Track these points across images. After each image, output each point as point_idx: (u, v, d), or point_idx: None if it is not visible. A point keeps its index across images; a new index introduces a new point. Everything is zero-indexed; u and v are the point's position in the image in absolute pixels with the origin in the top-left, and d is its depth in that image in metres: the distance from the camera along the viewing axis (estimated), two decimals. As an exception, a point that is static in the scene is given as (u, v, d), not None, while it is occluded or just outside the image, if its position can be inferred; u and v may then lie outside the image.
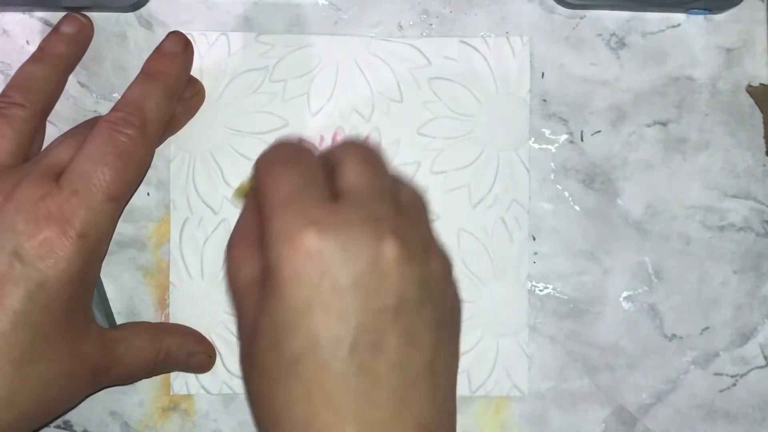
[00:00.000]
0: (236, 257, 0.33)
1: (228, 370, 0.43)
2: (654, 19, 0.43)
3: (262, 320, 0.31)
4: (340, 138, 0.43)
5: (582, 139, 0.43)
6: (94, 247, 0.36)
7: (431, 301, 0.31)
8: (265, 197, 0.32)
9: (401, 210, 0.32)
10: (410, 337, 0.30)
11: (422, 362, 0.30)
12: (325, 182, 0.32)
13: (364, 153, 0.33)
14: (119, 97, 0.38)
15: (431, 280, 0.31)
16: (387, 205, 0.31)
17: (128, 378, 0.40)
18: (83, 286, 0.36)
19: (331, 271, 0.30)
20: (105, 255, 0.39)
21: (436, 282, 0.31)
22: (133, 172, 0.37)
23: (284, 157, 0.33)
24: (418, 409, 0.30)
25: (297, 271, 0.30)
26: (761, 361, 0.43)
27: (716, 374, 0.43)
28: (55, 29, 0.41)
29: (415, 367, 0.30)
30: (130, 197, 0.41)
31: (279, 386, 0.30)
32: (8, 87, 0.39)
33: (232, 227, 0.42)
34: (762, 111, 0.43)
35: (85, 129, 0.38)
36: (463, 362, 0.42)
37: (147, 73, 0.39)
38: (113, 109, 0.37)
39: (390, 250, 0.30)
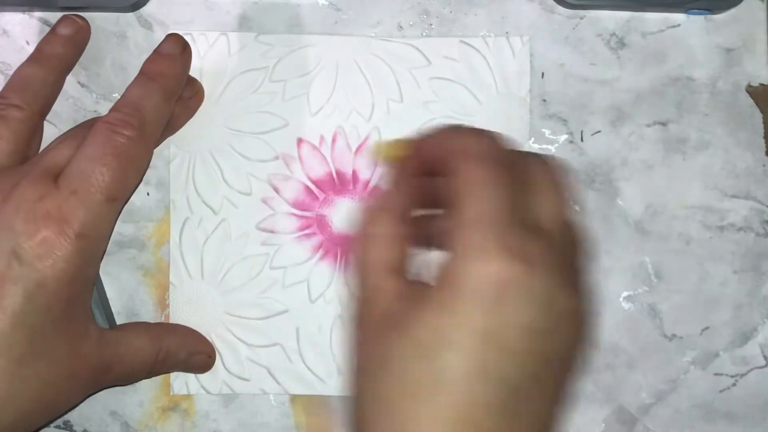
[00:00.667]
0: (380, 234, 0.31)
1: (228, 370, 0.43)
2: (654, 19, 0.43)
3: (415, 319, 0.29)
4: (341, 138, 0.43)
5: (582, 139, 0.43)
6: (93, 247, 0.36)
7: (582, 355, 0.31)
8: (469, 197, 0.29)
9: (581, 256, 0.31)
10: (556, 395, 0.30)
11: (555, 415, 0.30)
12: (521, 203, 0.29)
13: (564, 185, 0.31)
14: (119, 98, 0.38)
15: (588, 334, 0.31)
16: (578, 253, 0.31)
17: (128, 378, 0.40)
18: (82, 286, 0.36)
19: (515, 305, 0.28)
20: (103, 255, 0.39)
21: (589, 335, 0.31)
22: (132, 172, 0.37)
23: (496, 155, 0.30)
24: None
25: (480, 292, 0.28)
26: (761, 361, 0.43)
27: (716, 374, 0.43)
28: (52, 31, 0.41)
29: (549, 420, 0.30)
30: (129, 197, 0.41)
31: (412, 397, 0.28)
32: (5, 88, 0.39)
33: (232, 227, 0.42)
34: (762, 111, 0.43)
35: (84, 130, 0.38)
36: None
37: (145, 74, 0.39)
38: (112, 110, 0.38)
39: (576, 305, 0.29)
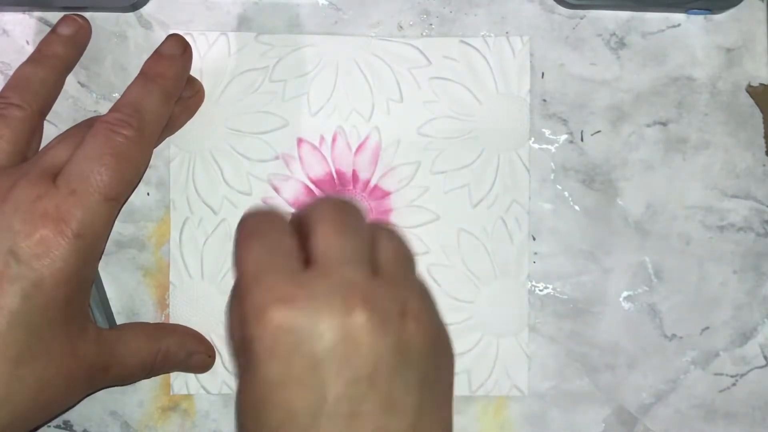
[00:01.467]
0: (230, 317, 0.33)
1: (228, 370, 0.43)
2: (654, 19, 0.43)
3: (242, 393, 0.31)
4: (341, 138, 0.43)
5: (582, 139, 0.43)
6: (91, 247, 0.36)
7: (410, 364, 0.30)
8: (238, 273, 0.31)
9: (377, 271, 0.31)
10: (389, 404, 0.30)
11: (404, 426, 0.30)
12: (296, 251, 0.31)
13: (337, 213, 0.32)
14: (119, 98, 0.38)
15: (409, 343, 0.30)
16: (359, 270, 0.31)
17: (127, 378, 0.40)
18: (80, 286, 0.36)
19: (302, 345, 0.29)
20: (102, 255, 0.39)
21: (416, 344, 0.31)
22: (130, 172, 0.37)
23: (252, 229, 0.32)
24: None
25: (269, 347, 0.29)
26: (761, 361, 0.43)
27: (716, 374, 0.43)
28: (53, 31, 0.41)
29: (397, 431, 0.30)
30: (128, 197, 0.41)
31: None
32: (5, 88, 0.39)
33: (232, 227, 0.42)
34: (762, 111, 0.43)
35: (83, 129, 0.38)
36: (463, 362, 0.42)
37: (145, 74, 0.39)
38: (111, 110, 0.38)
39: (360, 319, 0.29)
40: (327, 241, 0.31)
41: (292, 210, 0.33)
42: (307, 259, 0.31)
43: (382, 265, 0.32)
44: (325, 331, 0.29)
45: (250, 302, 0.30)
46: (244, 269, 0.31)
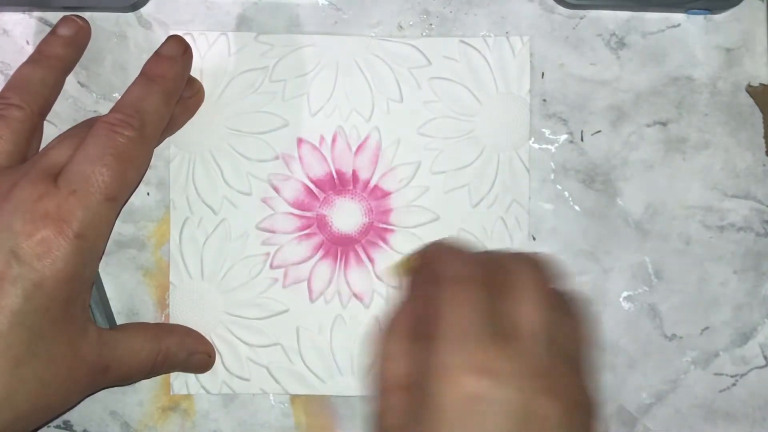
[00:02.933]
0: (388, 351, 0.33)
1: (228, 370, 0.43)
2: (654, 19, 0.43)
3: None
4: (341, 138, 0.43)
5: (582, 139, 0.43)
6: (92, 247, 0.36)
7: None
8: (436, 321, 0.31)
9: (561, 357, 0.31)
10: None
11: None
12: (496, 312, 0.31)
13: (539, 280, 0.32)
14: (119, 97, 0.38)
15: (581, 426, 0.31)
16: (553, 353, 0.31)
17: (127, 378, 0.40)
18: (81, 286, 0.36)
19: (486, 419, 0.29)
20: (102, 255, 0.39)
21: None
22: (131, 173, 0.37)
23: (460, 278, 0.32)
24: None
25: (456, 411, 0.29)
26: (761, 361, 0.43)
27: (716, 374, 0.43)
28: (53, 31, 0.41)
29: None
30: (129, 198, 0.41)
31: None
32: (5, 88, 0.39)
33: (232, 227, 0.42)
34: (762, 111, 0.43)
35: (83, 130, 0.38)
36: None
37: (146, 75, 0.39)
38: (112, 111, 0.38)
39: (545, 409, 0.30)
40: (530, 314, 0.31)
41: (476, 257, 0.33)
42: (498, 326, 0.31)
43: (562, 348, 0.32)
44: (513, 412, 0.29)
45: (449, 360, 0.30)
46: (451, 319, 0.31)
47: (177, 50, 0.40)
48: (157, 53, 0.40)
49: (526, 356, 0.30)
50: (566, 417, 0.30)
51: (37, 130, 0.40)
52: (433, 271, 0.33)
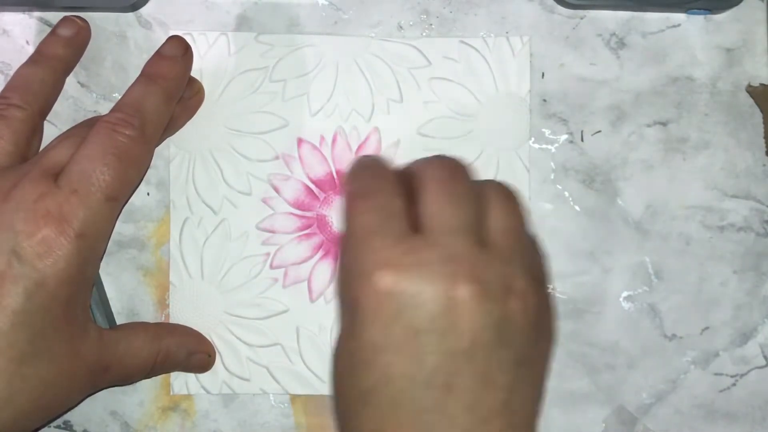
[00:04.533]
0: (338, 274, 0.33)
1: (228, 370, 0.43)
2: (654, 19, 0.43)
3: (340, 351, 0.32)
4: (341, 138, 0.43)
5: (582, 139, 0.43)
6: (93, 247, 0.36)
7: (509, 341, 0.30)
8: (345, 230, 0.32)
9: (486, 242, 0.31)
10: (484, 379, 0.30)
11: (497, 402, 0.30)
12: (403, 212, 0.31)
13: (448, 176, 0.32)
14: (119, 97, 0.38)
15: (510, 320, 0.30)
16: (467, 241, 0.31)
17: (128, 378, 0.40)
18: (82, 286, 0.36)
19: (405, 312, 0.30)
20: (103, 254, 0.39)
21: (517, 321, 0.31)
22: (132, 172, 0.37)
23: (362, 186, 0.32)
24: None
25: (372, 310, 0.30)
26: (761, 361, 0.43)
27: (716, 374, 0.43)
28: (53, 32, 0.41)
29: (489, 407, 0.30)
30: (129, 197, 0.42)
31: (353, 414, 0.31)
32: (6, 88, 0.39)
33: (232, 227, 0.42)
34: (762, 111, 0.43)
35: (83, 129, 0.38)
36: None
37: (147, 75, 0.39)
38: (113, 110, 0.38)
39: (464, 293, 0.30)
40: (437, 207, 0.31)
41: (388, 169, 0.33)
42: (414, 221, 0.31)
43: (491, 234, 0.32)
44: (428, 301, 0.30)
45: (358, 263, 0.31)
46: (353, 229, 0.31)
47: (178, 50, 0.40)
48: (158, 53, 0.40)
49: (435, 246, 0.30)
50: (490, 301, 0.30)
51: (37, 131, 0.40)
52: (348, 188, 0.33)
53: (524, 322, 0.31)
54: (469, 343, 0.30)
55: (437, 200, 0.31)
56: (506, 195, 0.33)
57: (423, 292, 0.30)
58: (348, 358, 0.31)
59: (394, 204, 0.32)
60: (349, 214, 0.32)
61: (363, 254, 0.31)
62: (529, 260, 0.32)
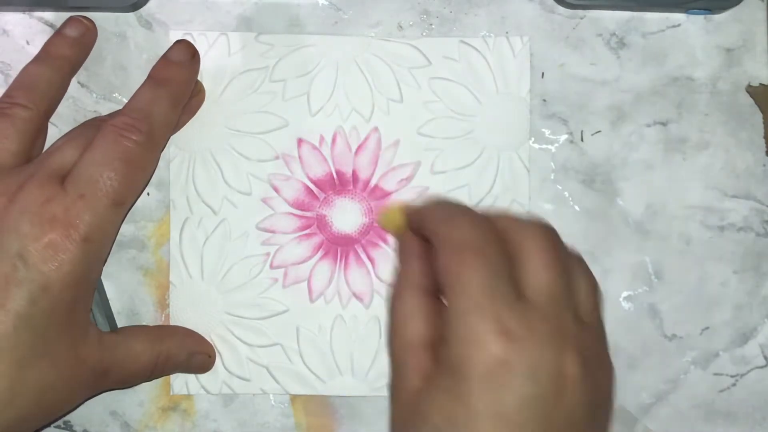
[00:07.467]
0: (403, 311, 0.33)
1: (228, 370, 0.43)
2: (654, 19, 0.43)
3: (432, 404, 0.31)
4: (341, 138, 0.43)
5: (582, 139, 0.43)
6: (98, 251, 0.36)
7: (596, 412, 0.31)
8: (455, 288, 0.31)
9: (582, 318, 0.32)
10: None
11: None
12: (511, 274, 0.31)
13: (554, 248, 0.32)
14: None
15: (600, 392, 0.31)
16: (571, 315, 0.31)
17: (128, 381, 0.40)
18: (85, 290, 0.36)
19: (514, 382, 0.29)
20: (107, 258, 0.39)
21: (603, 392, 0.32)
22: (139, 177, 0.37)
23: (472, 239, 0.31)
24: None
25: (484, 376, 0.29)
26: (761, 361, 0.43)
27: (716, 374, 0.43)
28: (59, 32, 0.41)
29: None
30: (135, 202, 0.41)
31: None
32: (12, 87, 0.39)
33: (232, 227, 0.42)
34: (762, 111, 0.43)
35: (88, 130, 0.38)
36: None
37: (154, 79, 0.39)
38: (120, 114, 0.37)
39: (571, 368, 0.30)
40: (545, 279, 0.31)
41: (485, 219, 0.33)
42: (517, 289, 0.31)
43: (582, 308, 0.32)
44: (538, 372, 0.30)
45: (470, 327, 0.30)
46: (465, 288, 0.30)
47: (185, 55, 0.40)
48: (165, 58, 0.40)
49: (547, 319, 0.30)
50: (589, 375, 0.30)
51: (42, 131, 0.40)
52: (439, 231, 0.32)
53: (608, 390, 0.32)
54: (568, 416, 0.30)
55: (547, 272, 0.31)
56: (587, 269, 0.34)
57: (535, 363, 0.30)
58: (441, 418, 0.30)
59: (504, 264, 0.31)
60: (462, 271, 0.31)
61: (476, 317, 0.30)
62: (603, 330, 0.33)
